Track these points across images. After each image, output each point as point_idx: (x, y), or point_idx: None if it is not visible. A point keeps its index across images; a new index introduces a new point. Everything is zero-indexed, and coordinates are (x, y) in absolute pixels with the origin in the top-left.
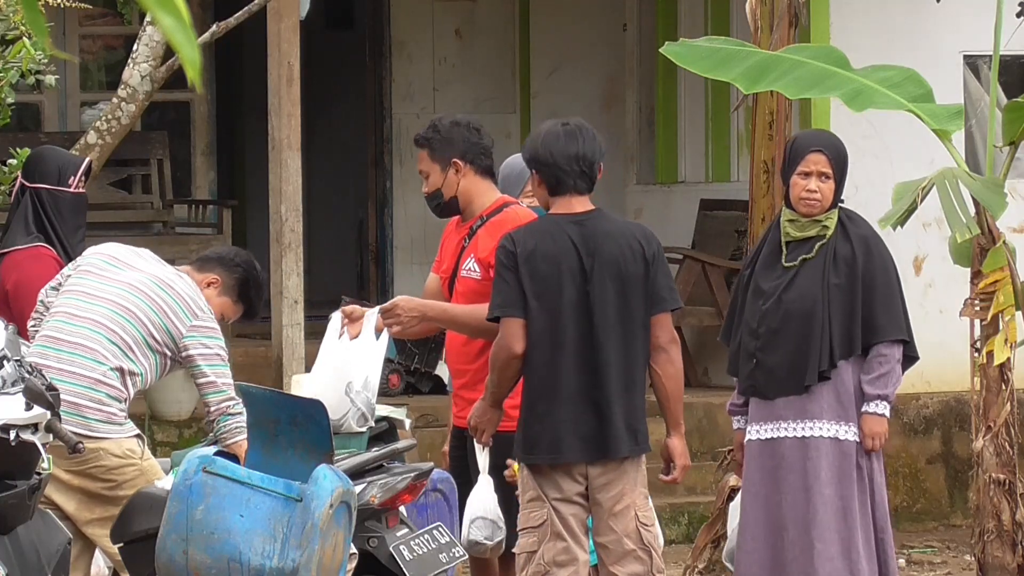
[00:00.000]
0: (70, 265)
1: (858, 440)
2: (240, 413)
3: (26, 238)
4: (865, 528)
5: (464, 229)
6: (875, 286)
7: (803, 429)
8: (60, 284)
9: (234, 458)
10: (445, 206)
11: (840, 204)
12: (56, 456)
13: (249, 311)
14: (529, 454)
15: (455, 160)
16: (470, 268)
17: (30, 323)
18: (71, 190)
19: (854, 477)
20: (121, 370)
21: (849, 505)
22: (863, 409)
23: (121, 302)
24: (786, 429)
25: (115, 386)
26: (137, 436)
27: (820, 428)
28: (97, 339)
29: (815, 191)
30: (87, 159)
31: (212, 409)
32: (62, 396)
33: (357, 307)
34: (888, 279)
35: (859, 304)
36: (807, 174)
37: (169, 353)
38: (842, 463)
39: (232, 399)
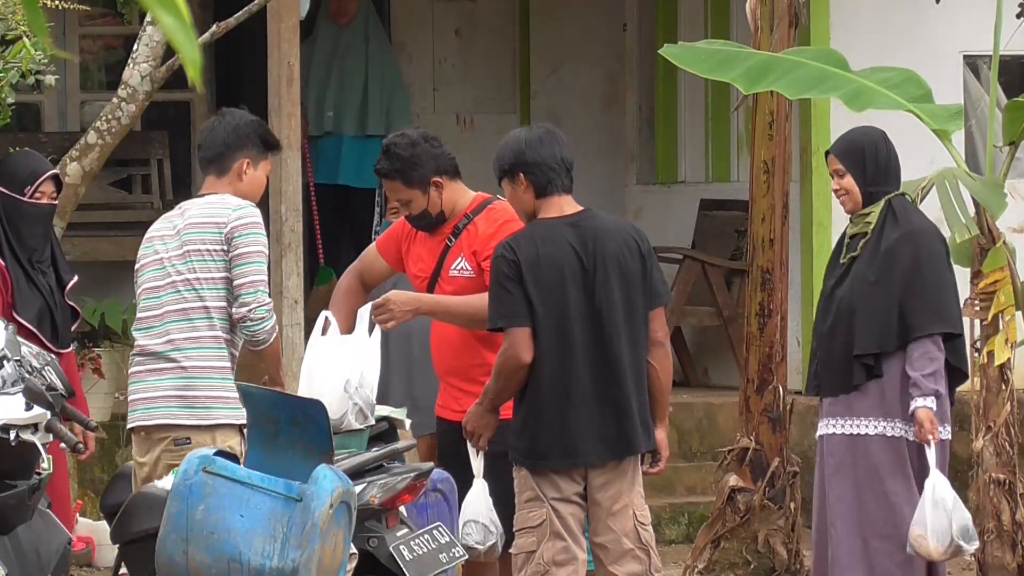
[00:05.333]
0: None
1: (906, 436)
2: (263, 319)
3: None
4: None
5: (447, 229)
6: (908, 281)
7: (851, 426)
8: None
9: (234, 458)
10: (434, 221)
11: (894, 195)
12: (167, 456)
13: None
14: (541, 459)
15: (435, 180)
16: (461, 267)
17: None
18: (25, 199)
19: (905, 474)
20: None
21: (896, 501)
22: (912, 405)
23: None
24: (835, 426)
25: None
26: (240, 428)
27: (866, 425)
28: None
29: (837, 188)
30: (50, 171)
31: (243, 311)
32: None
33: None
34: (920, 273)
35: (895, 300)
36: (832, 175)
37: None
38: (891, 459)
39: (263, 304)
